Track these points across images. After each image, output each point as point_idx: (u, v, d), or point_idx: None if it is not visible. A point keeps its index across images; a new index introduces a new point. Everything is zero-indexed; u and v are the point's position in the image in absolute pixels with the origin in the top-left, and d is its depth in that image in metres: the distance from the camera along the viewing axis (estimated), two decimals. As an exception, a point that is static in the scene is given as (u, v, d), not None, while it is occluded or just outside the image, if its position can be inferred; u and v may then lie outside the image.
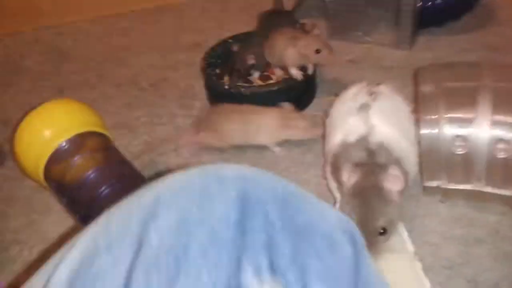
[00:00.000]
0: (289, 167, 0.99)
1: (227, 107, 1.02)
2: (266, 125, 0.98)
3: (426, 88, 0.79)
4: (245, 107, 1.01)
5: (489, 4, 1.36)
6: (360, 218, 0.69)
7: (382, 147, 0.74)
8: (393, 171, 0.69)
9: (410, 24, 1.24)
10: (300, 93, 1.11)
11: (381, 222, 0.68)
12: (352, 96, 0.82)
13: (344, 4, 1.29)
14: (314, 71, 1.13)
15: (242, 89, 1.06)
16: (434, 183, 0.80)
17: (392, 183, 0.70)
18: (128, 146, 1.09)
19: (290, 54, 1.06)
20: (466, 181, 0.78)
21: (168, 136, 1.11)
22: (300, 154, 1.01)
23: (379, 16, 1.37)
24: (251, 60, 1.14)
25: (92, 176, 0.74)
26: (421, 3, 1.24)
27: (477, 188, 0.77)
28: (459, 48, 1.27)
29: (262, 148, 1.03)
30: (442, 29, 1.33)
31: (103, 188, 0.73)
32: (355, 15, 1.29)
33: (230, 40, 1.23)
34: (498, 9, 1.39)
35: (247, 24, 1.49)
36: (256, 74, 1.18)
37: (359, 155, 0.74)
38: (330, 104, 1.12)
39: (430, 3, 1.26)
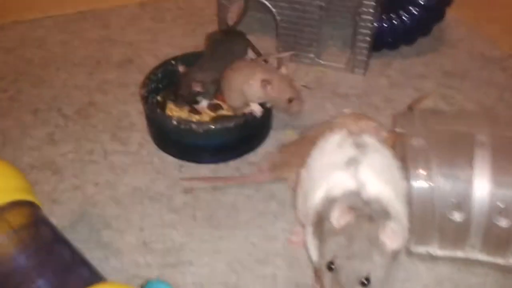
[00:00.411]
0: (252, 219, 0.86)
1: (310, 137, 0.87)
2: None
3: (414, 141, 0.70)
4: (318, 131, 0.87)
5: (440, 24, 1.31)
6: (343, 258, 0.58)
7: (377, 202, 0.64)
8: (394, 225, 0.60)
9: (367, 48, 1.16)
10: (258, 127, 0.99)
11: (367, 267, 0.58)
12: (335, 148, 0.72)
13: (296, 23, 1.17)
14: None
15: (194, 126, 0.91)
16: (422, 249, 0.72)
17: (390, 238, 0.59)
18: (52, 193, 0.90)
19: (254, 91, 0.94)
20: (458, 247, 0.70)
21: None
22: (263, 202, 0.89)
23: (332, 37, 1.28)
24: (197, 87, 0.99)
25: (21, 264, 0.56)
26: (376, 25, 1.16)
27: (469, 255, 0.70)
28: (415, 74, 1.21)
29: (221, 194, 0.90)
30: (395, 52, 1.27)
31: (37, 283, 0.55)
32: (307, 35, 1.18)
33: (173, 61, 1.07)
34: (449, 30, 1.36)
35: (185, 36, 1.35)
36: (204, 103, 1.04)
37: (352, 203, 0.63)
38: (289, 138, 1.03)
39: (387, 25, 1.18)
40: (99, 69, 1.22)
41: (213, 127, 0.92)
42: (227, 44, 1.06)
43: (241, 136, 0.96)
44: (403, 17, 1.17)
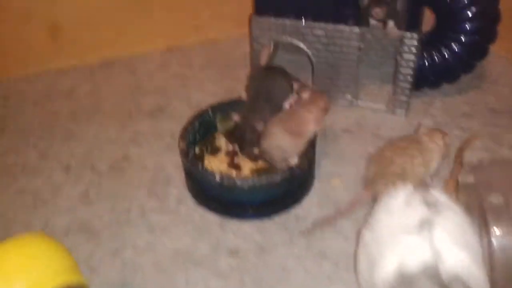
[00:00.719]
0: (306, 283, 0.80)
1: (398, 147, 0.89)
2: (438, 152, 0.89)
3: (493, 197, 0.64)
4: (405, 141, 0.91)
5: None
6: None
7: (457, 280, 0.57)
8: None
9: (409, 88, 1.11)
10: (303, 179, 0.93)
11: None
12: (403, 206, 0.66)
13: (333, 64, 1.13)
14: (314, 151, 0.95)
15: (239, 182, 0.86)
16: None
17: None
18: (90, 259, 0.85)
19: (317, 121, 0.93)
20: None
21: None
22: (314, 262, 0.83)
23: (368, 76, 1.23)
24: (260, 126, 0.96)
25: None
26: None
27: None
28: (459, 112, 1.16)
29: (269, 255, 0.84)
30: (435, 90, 1.21)
31: None
32: (344, 76, 1.14)
33: (210, 112, 1.03)
34: (489, 65, 1.30)
35: (214, 81, 1.31)
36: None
37: (431, 284, 0.57)
38: (334, 188, 0.97)
39: (428, 63, 1.13)
40: (131, 120, 1.18)
41: (259, 183, 0.87)
42: (271, 82, 1.02)
43: (287, 190, 0.90)
44: (445, 54, 1.12)
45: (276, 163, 0.93)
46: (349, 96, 1.17)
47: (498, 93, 1.21)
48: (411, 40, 1.05)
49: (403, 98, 1.13)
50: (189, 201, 0.96)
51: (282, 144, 0.92)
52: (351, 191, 0.95)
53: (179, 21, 1.42)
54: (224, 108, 1.04)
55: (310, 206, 0.94)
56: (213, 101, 1.14)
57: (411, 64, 1.08)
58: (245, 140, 0.97)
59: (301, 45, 1.13)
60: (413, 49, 1.05)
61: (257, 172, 0.97)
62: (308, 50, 1.13)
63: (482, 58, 1.15)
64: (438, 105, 1.18)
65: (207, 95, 1.25)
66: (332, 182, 0.99)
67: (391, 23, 1.03)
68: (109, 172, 1.03)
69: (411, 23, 1.04)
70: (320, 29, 1.10)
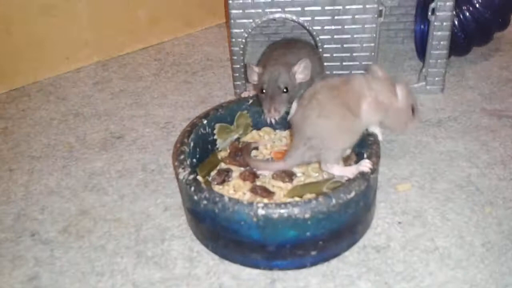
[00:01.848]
0: None
1: None
2: None
3: None
4: None
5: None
6: None
7: None
8: None
9: (445, 55, 0.87)
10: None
11: None
12: None
13: (343, 41, 0.86)
14: (379, 145, 0.65)
15: (296, 210, 0.53)
16: None
17: None
18: None
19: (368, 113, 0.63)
20: None
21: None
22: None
23: (387, 53, 0.98)
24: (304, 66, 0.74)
25: None
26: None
27: None
28: (500, 78, 0.94)
29: None
30: (461, 59, 0.99)
31: None
32: (360, 55, 0.87)
33: (205, 124, 0.70)
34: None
35: (178, 91, 1.00)
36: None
37: None
38: (403, 194, 0.68)
39: (457, 21, 0.91)
40: (74, 158, 0.81)
41: (326, 205, 0.54)
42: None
43: (358, 210, 0.59)
44: (476, 4, 0.90)
45: (329, 163, 0.62)
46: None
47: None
48: (448, -10, 0.81)
49: (439, 70, 0.88)
50: (207, 257, 0.61)
51: (344, 128, 0.61)
52: (426, 191, 0.69)
53: (111, 27, 1.07)
54: (222, 115, 0.72)
55: (386, 228, 0.64)
56: (185, 114, 0.87)
57: (447, 25, 0.83)
58: (278, 83, 0.69)
59: (301, 20, 0.84)
60: (449, 3, 0.81)
61: (296, 194, 0.64)
62: (309, 27, 0.84)
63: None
64: (471, 74, 0.95)
65: (174, 108, 0.92)
66: (399, 188, 0.70)
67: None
68: (61, 237, 0.65)
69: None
70: (325, -7, 0.82)
